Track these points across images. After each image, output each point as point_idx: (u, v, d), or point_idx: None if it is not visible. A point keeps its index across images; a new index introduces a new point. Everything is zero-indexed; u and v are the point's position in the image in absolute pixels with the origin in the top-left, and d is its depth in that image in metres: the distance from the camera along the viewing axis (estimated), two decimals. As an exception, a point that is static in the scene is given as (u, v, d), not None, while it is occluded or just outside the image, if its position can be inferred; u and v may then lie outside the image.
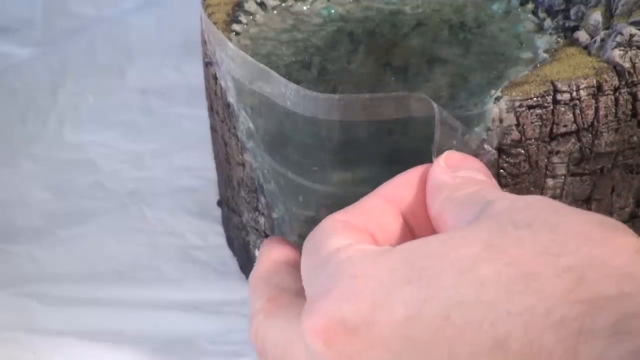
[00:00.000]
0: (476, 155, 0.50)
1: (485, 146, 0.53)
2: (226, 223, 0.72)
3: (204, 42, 0.62)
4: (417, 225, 0.43)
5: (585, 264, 0.33)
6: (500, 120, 0.53)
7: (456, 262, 0.35)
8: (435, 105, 0.48)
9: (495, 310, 0.33)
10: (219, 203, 0.72)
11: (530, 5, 0.63)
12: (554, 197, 0.56)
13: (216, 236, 0.73)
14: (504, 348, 0.32)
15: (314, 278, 0.39)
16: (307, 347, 0.37)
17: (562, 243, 0.34)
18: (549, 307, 0.32)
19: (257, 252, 0.64)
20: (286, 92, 0.53)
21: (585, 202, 0.57)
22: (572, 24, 0.60)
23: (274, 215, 0.60)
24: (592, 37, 0.58)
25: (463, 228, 0.37)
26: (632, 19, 0.57)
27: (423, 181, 0.43)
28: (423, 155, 0.53)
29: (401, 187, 0.43)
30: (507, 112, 0.53)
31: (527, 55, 0.59)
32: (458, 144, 0.49)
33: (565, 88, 0.54)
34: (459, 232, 0.37)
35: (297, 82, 0.54)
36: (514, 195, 0.39)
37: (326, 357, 0.36)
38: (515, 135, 0.54)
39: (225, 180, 0.67)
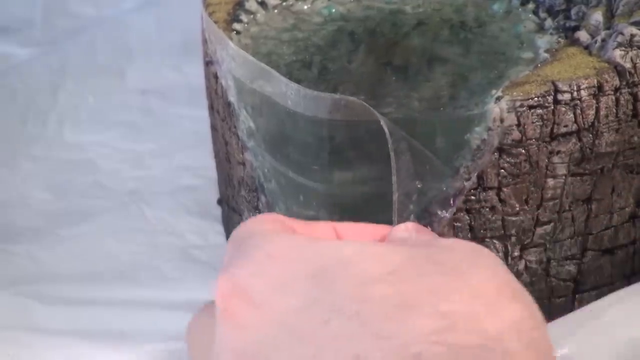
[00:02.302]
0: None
1: (439, 212, 0.53)
2: (226, 222, 0.72)
3: (205, 41, 0.62)
4: None
5: (463, 314, 0.34)
6: (501, 120, 0.53)
7: (359, 274, 0.36)
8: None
9: (366, 329, 0.34)
10: (220, 202, 0.72)
11: (531, 5, 0.63)
12: (554, 197, 0.56)
13: (216, 235, 0.73)
14: None
15: (238, 246, 0.40)
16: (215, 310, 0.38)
17: (453, 290, 0.35)
18: (411, 341, 0.33)
19: None
20: (287, 92, 0.53)
21: (585, 202, 0.57)
22: (572, 23, 0.60)
23: (275, 214, 0.60)
24: (593, 37, 0.58)
25: (389, 244, 0.38)
26: (632, 19, 0.57)
27: (379, 238, 0.43)
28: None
29: (357, 232, 0.44)
30: (508, 112, 0.53)
31: (527, 55, 0.59)
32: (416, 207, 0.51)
33: (566, 88, 0.54)
34: (380, 247, 0.38)
35: (298, 81, 0.54)
36: (460, 240, 0.40)
37: (224, 320, 0.37)
38: (516, 135, 0.54)
39: (226, 179, 0.67)
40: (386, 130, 0.48)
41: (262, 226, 0.40)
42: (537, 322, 0.35)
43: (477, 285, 0.35)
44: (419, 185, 0.51)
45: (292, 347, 0.35)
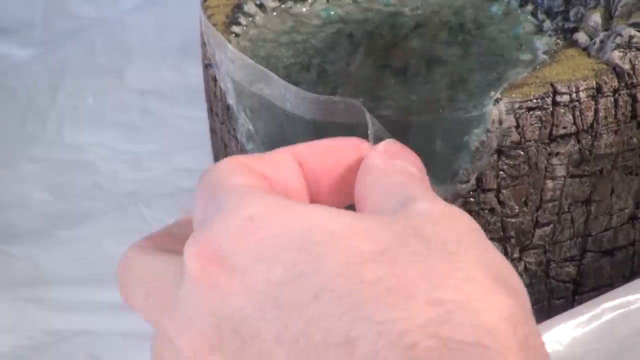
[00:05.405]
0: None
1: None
2: (226, 224, 0.71)
3: (204, 44, 0.62)
4: (318, 195, 0.43)
5: (458, 304, 0.33)
6: (500, 122, 0.53)
7: (349, 251, 0.35)
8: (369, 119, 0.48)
9: (360, 310, 0.33)
10: (219, 205, 0.72)
11: (529, 7, 0.63)
12: (553, 198, 0.56)
13: (216, 238, 0.73)
14: (351, 348, 0.33)
15: (210, 199, 0.38)
16: (181, 274, 0.37)
17: (447, 274, 0.34)
18: (406, 329, 0.32)
19: None
20: (286, 94, 0.53)
21: (584, 203, 0.57)
22: (571, 25, 0.60)
23: (274, 217, 0.60)
24: (591, 38, 0.58)
25: (375, 217, 0.37)
26: (631, 21, 0.57)
27: (344, 155, 0.42)
28: (423, 155, 0.54)
29: (319, 153, 0.42)
30: (507, 113, 0.53)
31: (526, 56, 0.59)
32: None
33: (564, 90, 0.54)
34: (368, 221, 0.36)
35: (297, 83, 0.54)
36: (437, 201, 0.38)
37: (199, 285, 0.36)
38: (515, 137, 0.54)
39: (225, 181, 0.67)
40: (370, 127, 0.48)
41: (233, 178, 0.38)
42: (527, 311, 0.35)
43: (468, 269, 0.34)
44: None
45: (280, 319, 0.34)
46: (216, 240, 0.36)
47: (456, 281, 0.34)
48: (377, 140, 0.48)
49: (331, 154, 0.42)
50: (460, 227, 0.37)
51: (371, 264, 0.34)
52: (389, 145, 0.42)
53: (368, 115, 0.47)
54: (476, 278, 0.34)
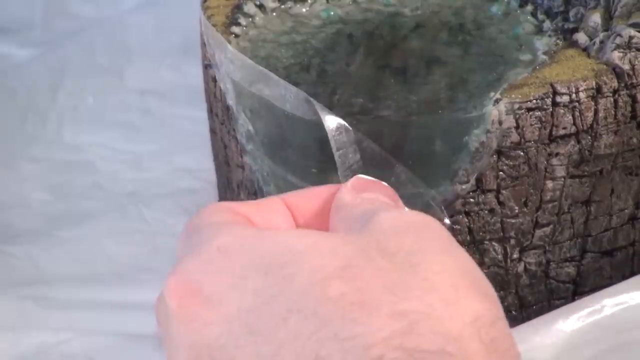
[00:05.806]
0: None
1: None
2: (226, 225, 0.71)
3: (204, 45, 0.62)
4: None
5: (422, 314, 0.34)
6: (500, 123, 0.53)
7: (314, 270, 0.35)
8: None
9: (326, 329, 0.34)
10: (219, 205, 0.72)
11: (529, 7, 0.63)
12: (553, 199, 0.56)
13: (216, 238, 0.73)
14: None
15: (188, 240, 0.39)
16: (165, 306, 0.38)
17: (410, 286, 0.35)
18: (371, 343, 0.33)
19: None
20: (286, 95, 0.53)
21: (584, 204, 0.57)
22: (571, 25, 0.60)
23: (274, 217, 0.60)
24: (591, 39, 0.58)
25: (339, 235, 0.38)
26: (631, 21, 0.57)
27: (326, 198, 0.43)
28: (423, 156, 0.54)
29: (305, 198, 0.44)
30: (507, 114, 0.53)
31: (526, 57, 0.59)
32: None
33: (564, 90, 0.54)
34: (332, 239, 0.37)
35: (296, 84, 0.54)
36: (404, 213, 0.39)
37: (177, 317, 0.37)
38: (515, 137, 0.54)
39: (225, 182, 0.67)
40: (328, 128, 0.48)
41: (211, 218, 0.40)
42: (495, 313, 0.35)
43: (431, 279, 0.35)
44: None
45: (253, 345, 0.35)
46: (189, 273, 0.37)
47: (420, 292, 0.35)
48: (353, 173, 0.48)
49: (317, 197, 0.43)
50: (427, 236, 0.37)
51: (334, 280, 0.35)
52: (356, 181, 0.43)
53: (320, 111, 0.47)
54: (441, 287, 0.35)
